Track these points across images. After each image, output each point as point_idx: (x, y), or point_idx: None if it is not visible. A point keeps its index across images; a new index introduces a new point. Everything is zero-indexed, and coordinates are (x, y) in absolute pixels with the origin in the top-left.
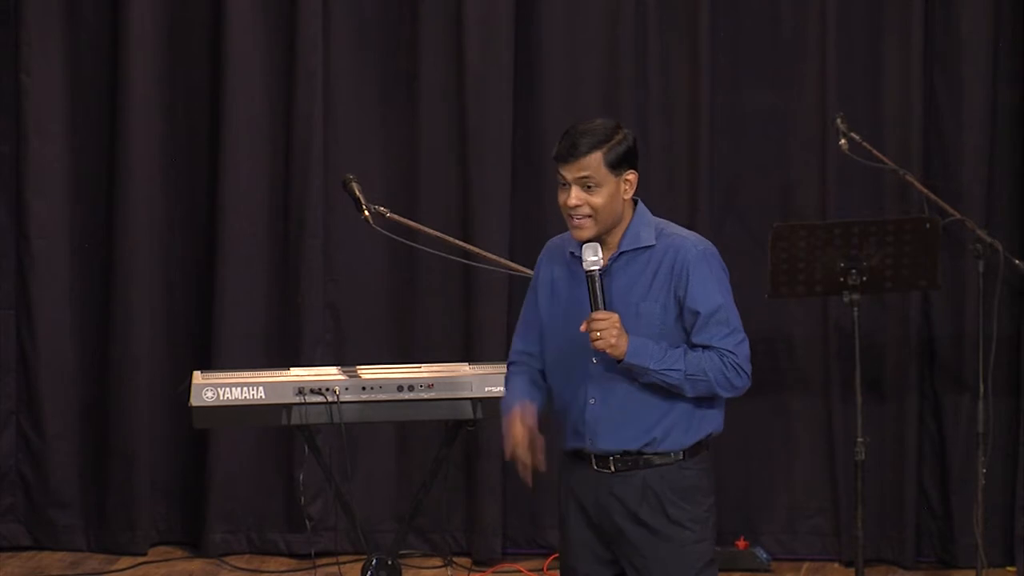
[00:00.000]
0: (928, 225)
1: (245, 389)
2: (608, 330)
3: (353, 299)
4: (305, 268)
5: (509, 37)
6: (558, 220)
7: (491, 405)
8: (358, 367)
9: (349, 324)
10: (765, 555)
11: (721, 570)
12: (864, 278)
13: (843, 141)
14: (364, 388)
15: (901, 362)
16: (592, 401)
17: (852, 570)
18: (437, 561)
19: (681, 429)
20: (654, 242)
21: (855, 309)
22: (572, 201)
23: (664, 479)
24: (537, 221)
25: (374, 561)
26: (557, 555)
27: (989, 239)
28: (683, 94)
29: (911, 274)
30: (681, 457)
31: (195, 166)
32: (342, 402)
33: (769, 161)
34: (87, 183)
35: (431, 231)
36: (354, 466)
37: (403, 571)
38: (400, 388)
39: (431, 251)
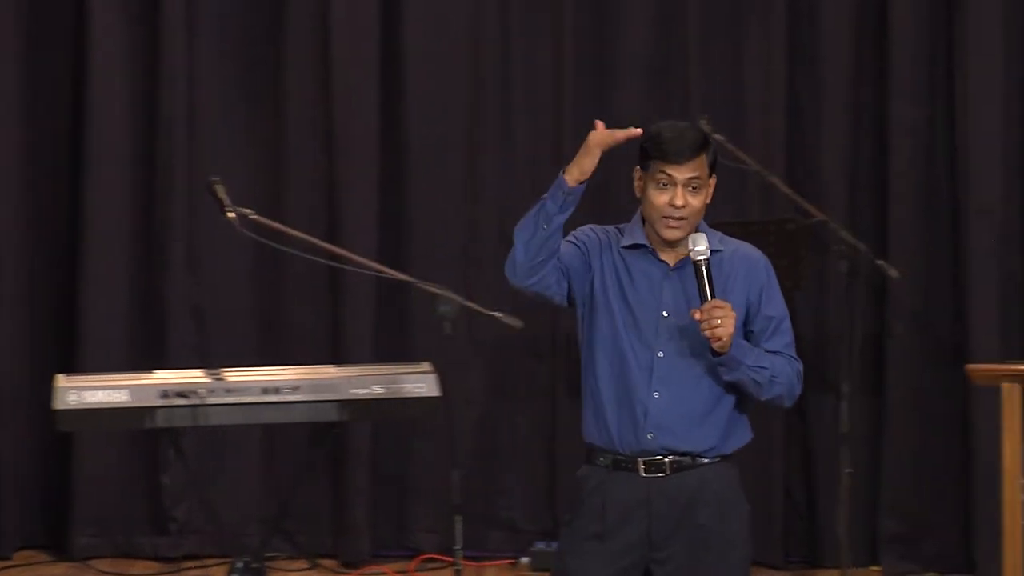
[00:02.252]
0: (792, 226)
1: (109, 392)
2: (727, 318)
3: (218, 301)
4: (170, 271)
5: (375, 39)
6: (425, 222)
7: (357, 407)
8: (223, 369)
9: (214, 327)
10: None
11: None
12: None
13: None
14: (229, 390)
15: None
16: (657, 395)
17: None
18: (303, 563)
19: (733, 433)
20: (721, 247)
21: None
22: (679, 201)
23: (719, 478)
24: (403, 224)
25: (239, 564)
26: (425, 557)
27: (852, 240)
28: (548, 97)
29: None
30: (727, 456)
31: (57, 167)
32: (207, 405)
33: (636, 164)
34: None
35: (296, 233)
36: (220, 469)
37: (269, 574)
38: (266, 390)
39: (297, 253)
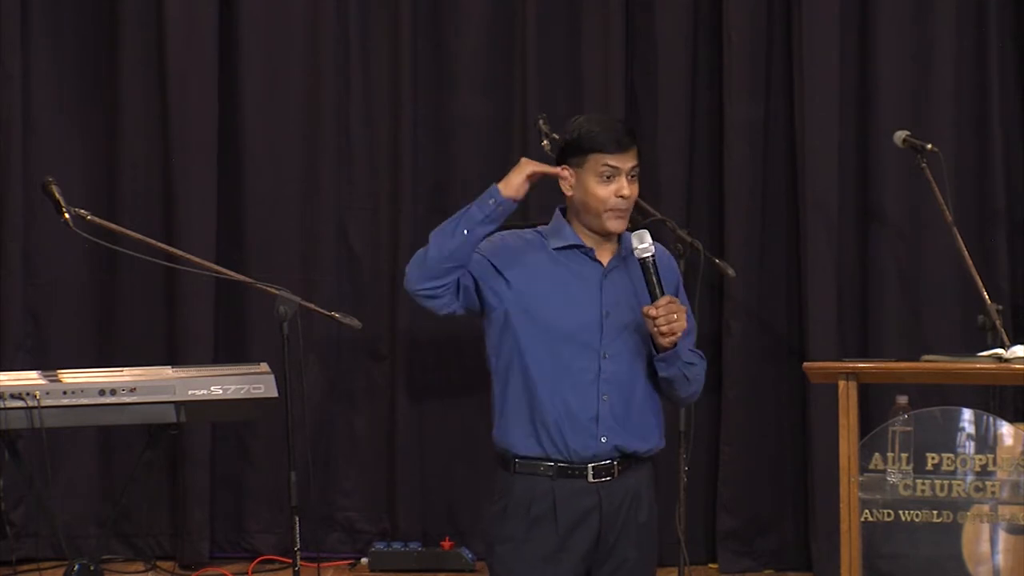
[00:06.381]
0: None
1: None
2: (681, 313)
3: (55, 303)
4: (5, 272)
5: (211, 37)
6: (262, 223)
7: (195, 408)
8: (59, 371)
9: (51, 329)
10: (471, 555)
11: (427, 570)
12: None
13: (545, 142)
14: (65, 392)
15: None
16: (605, 398)
17: None
18: (140, 566)
19: (661, 430)
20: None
21: None
22: (627, 191)
23: (649, 475)
24: (241, 224)
25: (76, 567)
26: (263, 558)
27: (690, 238)
28: (385, 97)
29: None
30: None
31: None
32: (43, 407)
33: (475, 162)
34: None
35: (133, 234)
36: (56, 471)
37: None
38: (102, 392)
39: (133, 254)
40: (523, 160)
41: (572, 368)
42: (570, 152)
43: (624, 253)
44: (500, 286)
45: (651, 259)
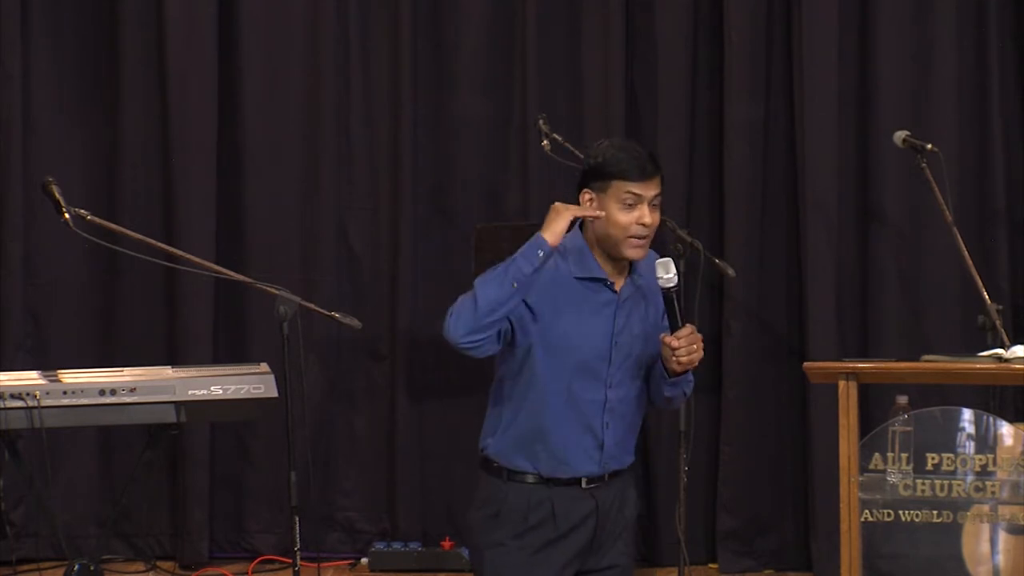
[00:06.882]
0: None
1: None
2: (701, 345)
3: (55, 304)
4: (5, 272)
5: (211, 37)
6: (262, 223)
7: (195, 408)
8: (59, 371)
9: (51, 329)
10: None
11: (427, 570)
12: None
13: (545, 142)
14: (65, 392)
15: None
16: (608, 425)
17: None
18: (141, 566)
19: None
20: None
21: None
22: (648, 219)
23: (631, 474)
24: (241, 224)
25: (76, 567)
26: (263, 558)
27: (689, 238)
28: (385, 97)
29: None
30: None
31: None
32: (43, 407)
33: (475, 162)
34: None
35: (133, 234)
36: (56, 471)
37: None
38: (102, 392)
39: (133, 254)
40: (557, 205)
41: (582, 400)
42: (593, 176)
43: (639, 281)
44: (528, 320)
45: (674, 290)
